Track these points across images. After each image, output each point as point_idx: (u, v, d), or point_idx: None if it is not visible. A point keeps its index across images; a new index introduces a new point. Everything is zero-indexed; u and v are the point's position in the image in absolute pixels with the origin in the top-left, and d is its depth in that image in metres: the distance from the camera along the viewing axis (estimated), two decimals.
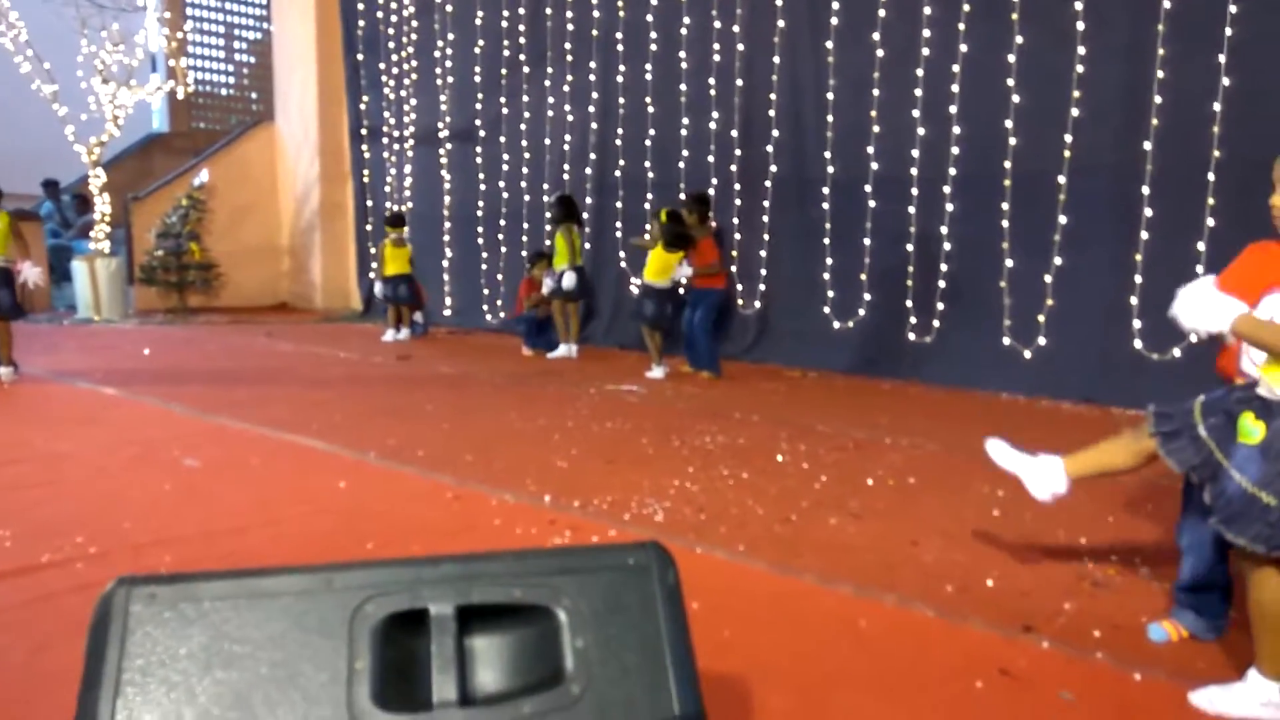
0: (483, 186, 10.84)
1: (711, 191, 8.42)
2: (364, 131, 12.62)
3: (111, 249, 11.77)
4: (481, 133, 10.80)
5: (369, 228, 12.72)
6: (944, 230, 6.96)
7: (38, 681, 2.05)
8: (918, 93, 7.02)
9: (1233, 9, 5.59)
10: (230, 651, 1.36)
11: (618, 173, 9.25)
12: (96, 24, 11.56)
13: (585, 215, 8.90)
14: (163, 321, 11.68)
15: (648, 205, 8.69)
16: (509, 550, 1.58)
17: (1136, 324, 6.06)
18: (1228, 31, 5.61)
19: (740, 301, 8.27)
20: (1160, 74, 5.90)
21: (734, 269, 8.26)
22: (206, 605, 1.41)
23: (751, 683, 2.05)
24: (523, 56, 10.20)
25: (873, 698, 2.02)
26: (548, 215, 9.59)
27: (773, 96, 7.97)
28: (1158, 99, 5.91)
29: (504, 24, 10.33)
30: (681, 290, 7.47)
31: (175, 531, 3.20)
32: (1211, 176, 5.71)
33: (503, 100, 10.49)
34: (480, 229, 10.92)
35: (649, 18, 8.81)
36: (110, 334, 10.17)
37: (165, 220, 12.74)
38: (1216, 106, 5.68)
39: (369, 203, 12.67)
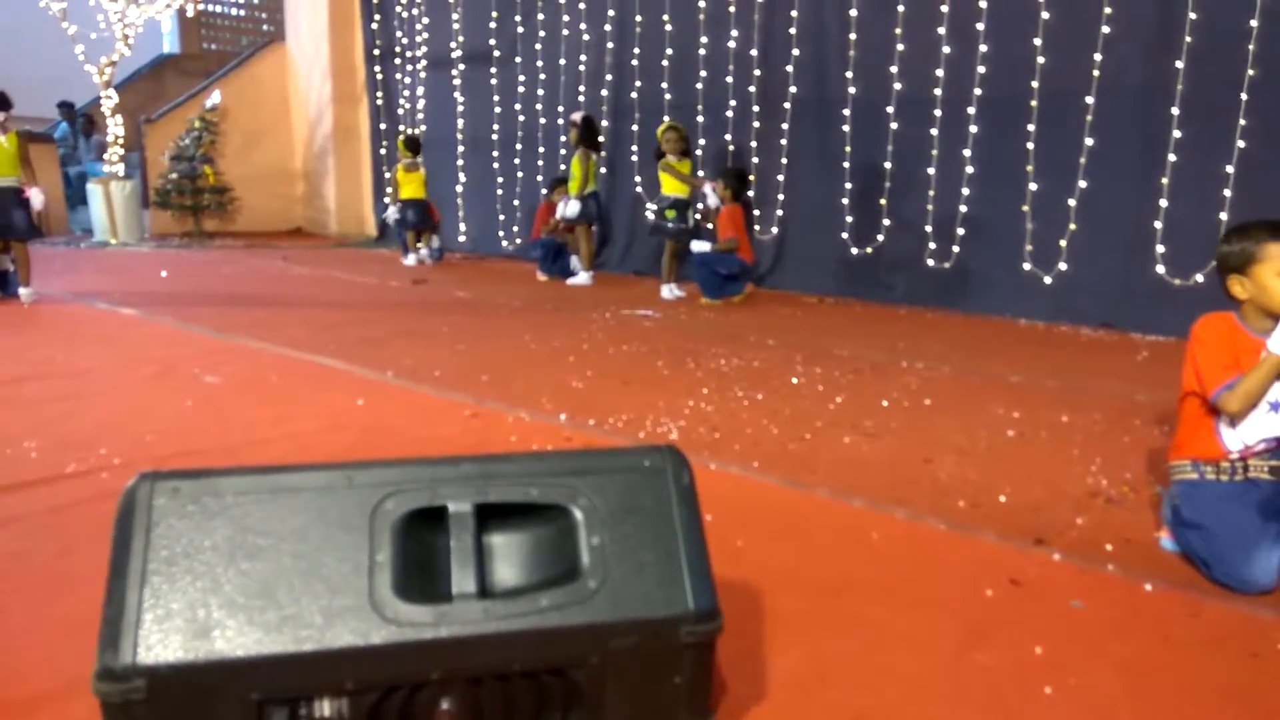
0: (498, 109, 10.68)
1: (730, 114, 8.27)
2: (376, 52, 12.40)
3: (126, 172, 11.73)
4: (496, 53, 10.59)
5: (383, 152, 12.59)
6: (967, 153, 6.82)
7: (64, 581, 2.11)
8: (944, 9, 6.81)
9: None
10: (253, 544, 1.39)
11: (634, 94, 9.08)
12: None
13: (600, 139, 8.76)
14: (179, 245, 11.70)
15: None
16: (526, 452, 1.59)
17: (1160, 249, 5.97)
18: None
19: (757, 227, 8.18)
20: None
21: (751, 194, 8.15)
22: (229, 499, 1.44)
23: (764, 587, 2.08)
24: None
25: (883, 602, 2.05)
26: (562, 139, 9.45)
27: (793, 13, 7.76)
28: (1192, 15, 5.71)
29: None
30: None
31: (197, 444, 3.25)
32: (1245, 96, 5.55)
33: (517, 19, 10.27)
34: (495, 153, 10.79)
35: None
36: (127, 257, 10.20)
37: (178, 143, 12.66)
38: (1253, 22, 5.49)
39: (383, 126, 12.52)
